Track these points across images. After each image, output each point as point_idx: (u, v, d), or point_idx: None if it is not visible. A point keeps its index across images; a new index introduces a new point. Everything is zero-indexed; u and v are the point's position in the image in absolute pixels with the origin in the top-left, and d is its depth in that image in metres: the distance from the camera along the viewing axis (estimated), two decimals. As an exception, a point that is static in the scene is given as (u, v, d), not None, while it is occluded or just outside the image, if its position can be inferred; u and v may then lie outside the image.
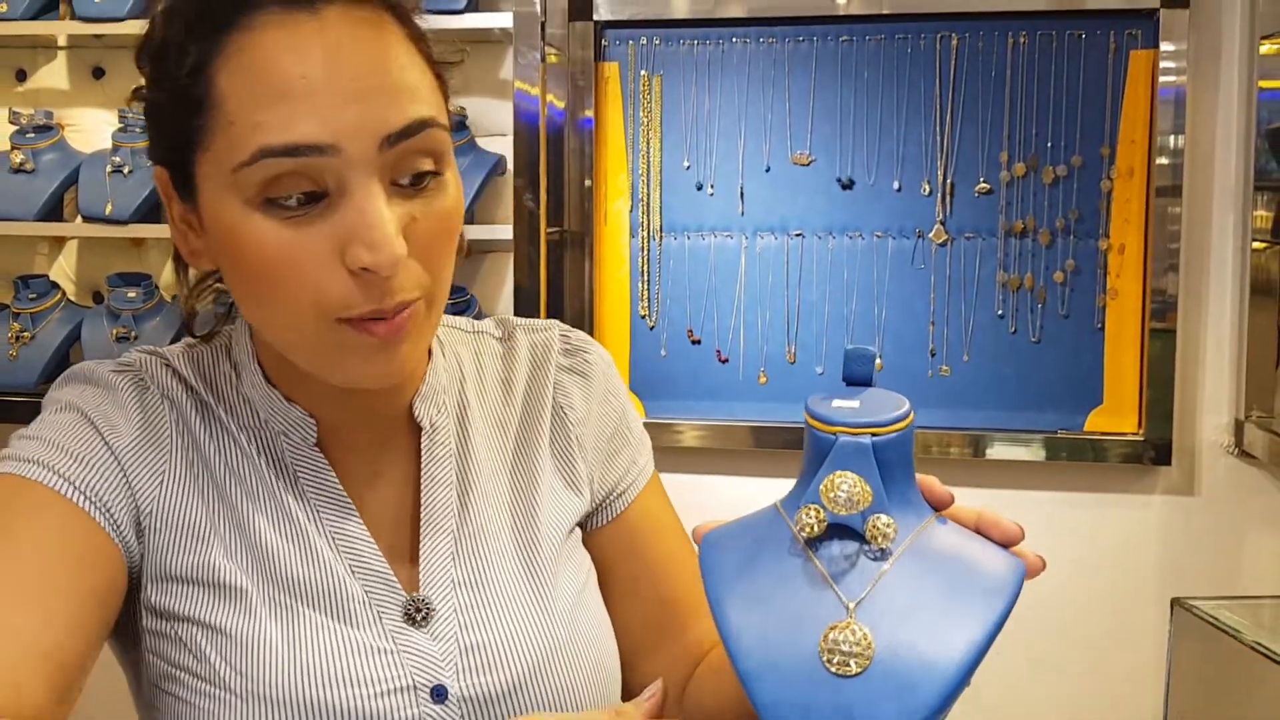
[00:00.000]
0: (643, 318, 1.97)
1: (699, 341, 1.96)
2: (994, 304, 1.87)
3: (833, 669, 0.51)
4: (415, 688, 0.72)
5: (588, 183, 1.94)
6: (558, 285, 1.94)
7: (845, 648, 0.52)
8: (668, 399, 1.97)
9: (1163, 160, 1.77)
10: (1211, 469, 1.82)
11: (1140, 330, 1.82)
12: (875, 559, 0.55)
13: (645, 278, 1.97)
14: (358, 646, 0.72)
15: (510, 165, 1.91)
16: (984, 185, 1.86)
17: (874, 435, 0.56)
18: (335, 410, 0.76)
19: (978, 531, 0.59)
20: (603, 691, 0.79)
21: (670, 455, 1.95)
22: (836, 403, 0.58)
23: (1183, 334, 1.80)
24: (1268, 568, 1.79)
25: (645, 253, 1.96)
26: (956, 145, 1.86)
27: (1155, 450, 1.80)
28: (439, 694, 0.73)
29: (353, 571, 0.74)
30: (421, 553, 0.77)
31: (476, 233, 1.91)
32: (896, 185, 1.88)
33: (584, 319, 1.95)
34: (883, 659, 0.51)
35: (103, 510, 0.70)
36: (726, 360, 1.95)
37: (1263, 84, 1.74)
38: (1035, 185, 1.85)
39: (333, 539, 0.75)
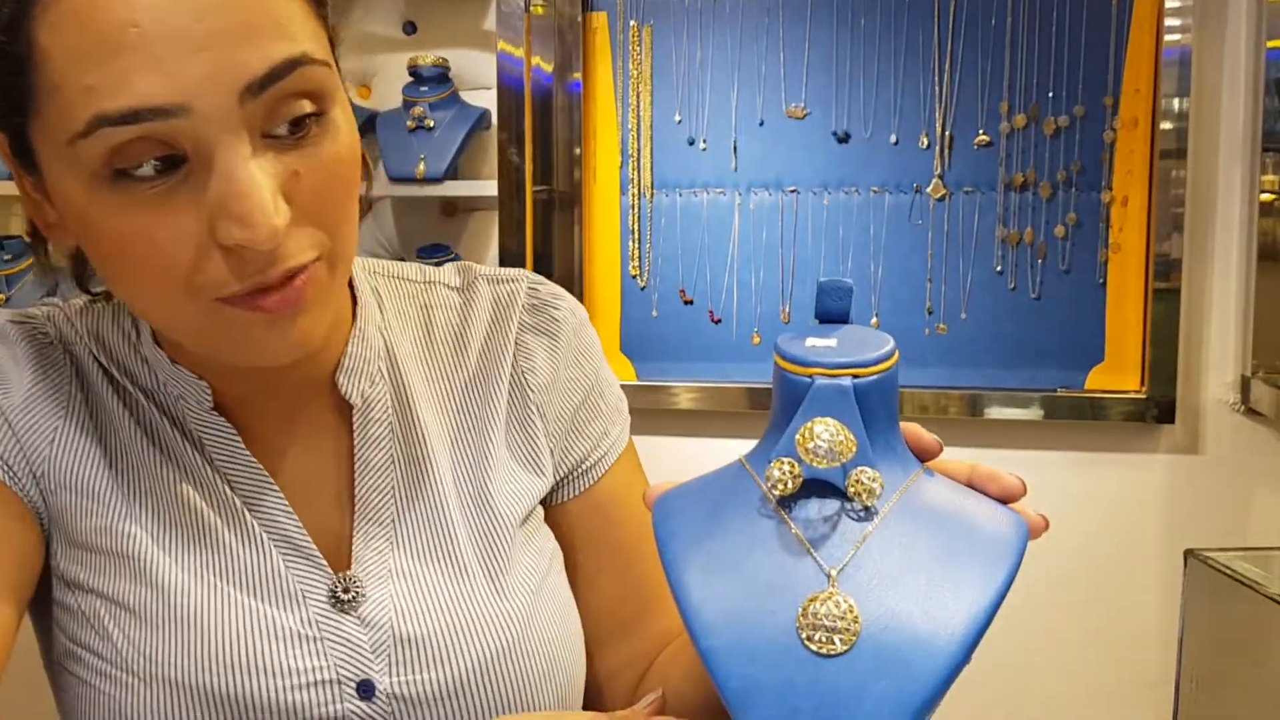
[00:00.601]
0: (634, 278, 1.92)
1: (691, 301, 1.90)
2: (993, 260, 1.81)
3: (813, 647, 0.46)
4: (339, 681, 0.65)
5: (577, 150, 1.88)
6: (545, 245, 1.89)
7: (827, 622, 0.46)
8: (660, 360, 1.92)
9: (1167, 116, 1.71)
10: (1217, 427, 1.78)
11: (1144, 285, 1.77)
12: (859, 519, 0.49)
13: (636, 236, 1.91)
14: (275, 629, 0.65)
15: (495, 120, 1.85)
16: (983, 137, 1.80)
17: (855, 376, 0.50)
18: (231, 380, 0.68)
19: (971, 487, 0.54)
20: (561, 694, 0.71)
21: (662, 418, 1.90)
22: (811, 341, 0.52)
23: (1188, 289, 1.75)
24: (1274, 526, 1.74)
25: (636, 210, 1.91)
26: (955, 96, 1.80)
27: (1158, 408, 1.76)
28: (365, 690, 0.65)
29: (274, 544, 0.67)
30: (355, 537, 0.68)
31: (460, 189, 1.86)
32: (894, 138, 1.82)
33: (573, 279, 1.90)
34: (871, 634, 0.45)
35: (5, 468, 0.65)
36: (720, 321, 1.90)
37: (1271, 44, 1.68)
38: (1036, 137, 1.79)
39: (249, 508, 0.67)
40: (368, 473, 0.70)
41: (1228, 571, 0.65)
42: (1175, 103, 1.70)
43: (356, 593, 0.67)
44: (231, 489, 0.68)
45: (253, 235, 0.55)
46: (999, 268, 1.81)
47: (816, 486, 0.50)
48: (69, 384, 0.68)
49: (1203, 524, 1.76)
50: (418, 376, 0.74)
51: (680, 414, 1.90)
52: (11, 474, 0.65)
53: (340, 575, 0.67)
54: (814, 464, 0.48)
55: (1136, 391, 1.78)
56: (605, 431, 0.78)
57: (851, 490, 0.50)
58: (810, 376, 0.50)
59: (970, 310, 1.83)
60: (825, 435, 0.48)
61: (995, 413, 1.81)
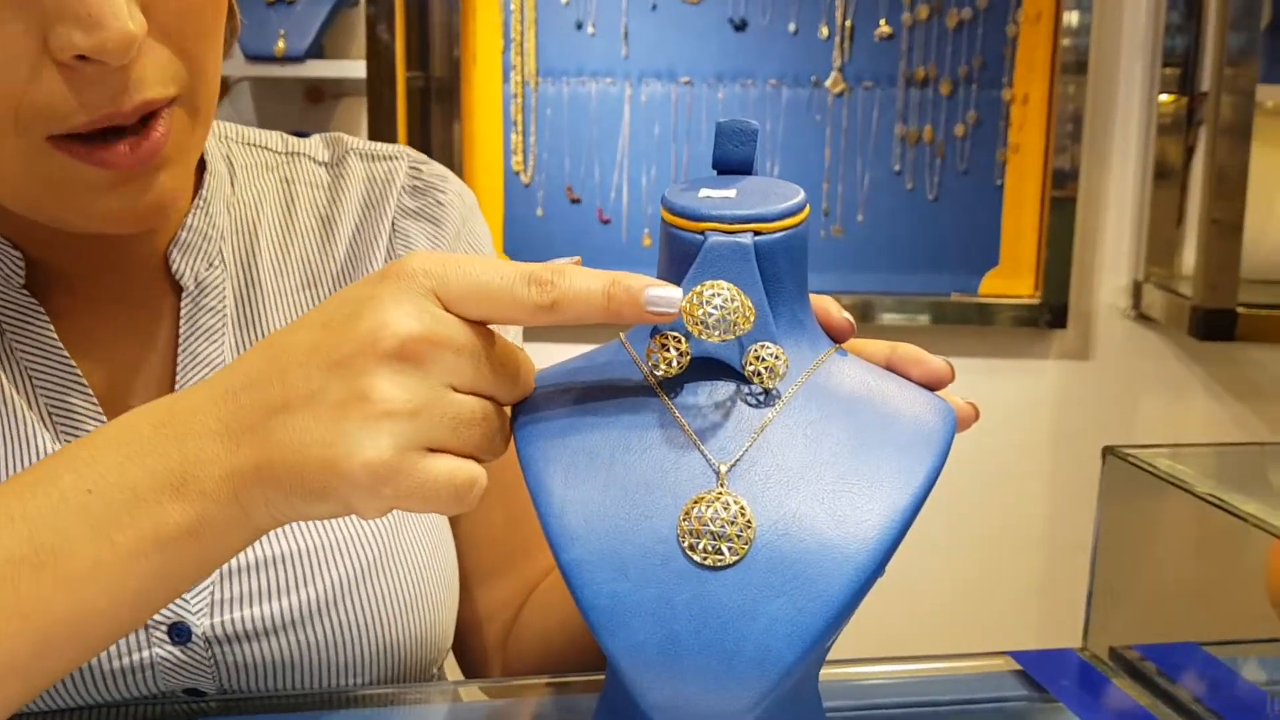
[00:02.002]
0: (516, 173, 1.80)
1: (579, 200, 1.80)
2: (891, 159, 1.75)
3: (696, 557, 0.37)
4: (146, 625, 0.55)
5: (457, 43, 1.73)
6: (421, 136, 1.75)
7: (713, 527, 0.37)
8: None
9: (1070, 7, 1.65)
10: (1108, 332, 1.77)
11: (1040, 189, 1.73)
12: (757, 405, 0.41)
13: (519, 129, 1.79)
14: None
15: (363, -6, 1.69)
16: (885, 28, 1.72)
17: (756, 234, 0.41)
18: (50, 249, 0.56)
19: (891, 371, 0.46)
20: (424, 631, 0.62)
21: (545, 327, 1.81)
22: (705, 192, 0.42)
23: (1084, 192, 1.72)
24: (1160, 431, 1.75)
25: (519, 100, 1.78)
26: (857, -16, 1.71)
27: (1051, 313, 1.73)
28: (179, 633, 0.56)
29: None
30: None
31: (325, 69, 1.70)
32: (792, 27, 1.73)
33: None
34: (767, 541, 0.37)
35: None
36: (609, 221, 1.80)
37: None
38: (939, 29, 1.71)
39: (49, 415, 0.56)
40: (195, 365, 0.59)
41: (1151, 469, 0.59)
42: (1079, -3, 1.65)
43: None
44: (32, 388, 0.55)
45: (100, 41, 0.44)
46: (897, 167, 1.75)
47: (707, 367, 0.41)
48: None
49: (1093, 429, 1.76)
50: (271, 262, 0.63)
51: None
52: None
53: None
54: (704, 337, 0.39)
55: (1030, 296, 1.75)
56: None
57: (749, 370, 0.41)
58: (702, 233, 0.41)
59: (867, 212, 1.77)
60: (718, 302, 0.39)
61: (887, 319, 1.76)
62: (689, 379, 0.41)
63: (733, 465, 0.39)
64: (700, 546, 0.38)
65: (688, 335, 0.41)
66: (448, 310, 0.40)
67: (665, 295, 0.40)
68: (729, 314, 0.39)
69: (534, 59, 1.77)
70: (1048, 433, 1.79)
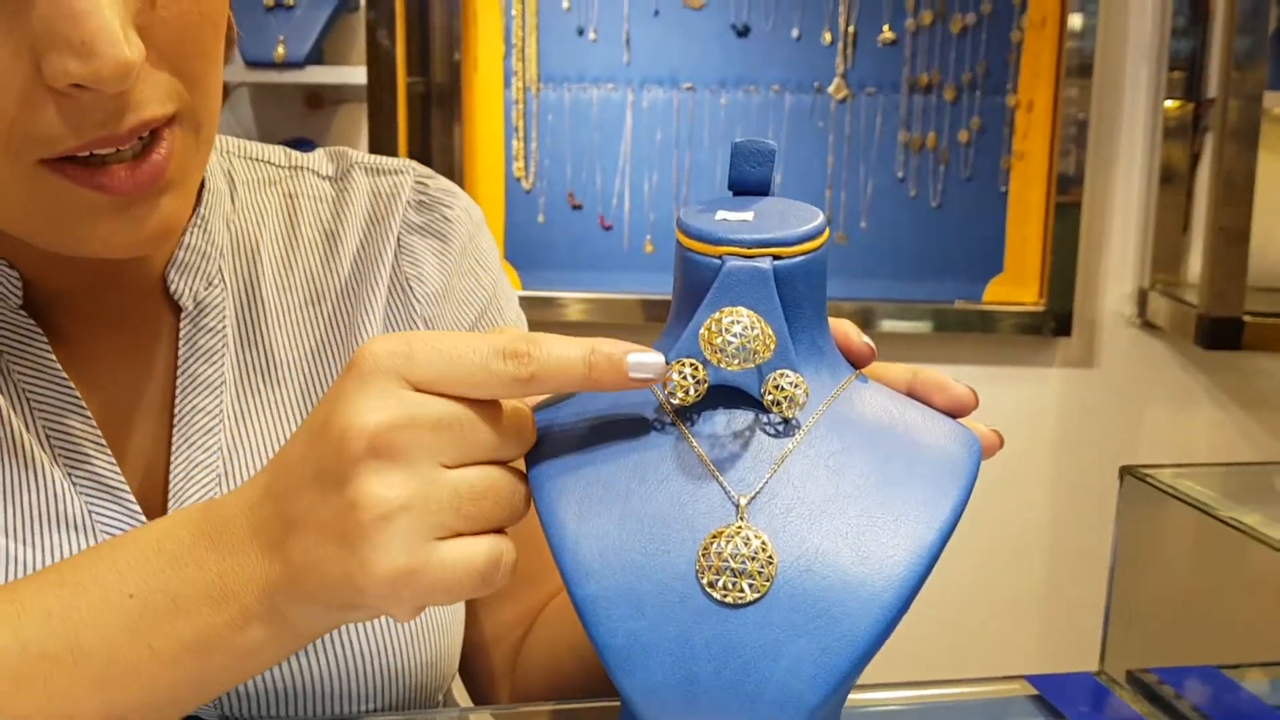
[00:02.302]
0: (518, 180, 1.79)
1: (580, 206, 1.78)
2: (894, 166, 1.74)
3: (715, 595, 0.36)
4: None
5: (457, 48, 1.72)
6: (421, 142, 1.74)
7: (734, 564, 0.36)
8: (546, 270, 1.80)
9: (1075, 13, 1.64)
10: (1113, 340, 1.75)
11: (1045, 196, 1.72)
12: (776, 435, 0.40)
13: (520, 135, 1.77)
14: None
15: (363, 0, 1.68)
16: (888, 34, 1.71)
17: (775, 258, 0.40)
18: (46, 271, 0.54)
19: (913, 398, 0.44)
20: (434, 656, 0.61)
21: (549, 331, 1.79)
22: (722, 214, 0.41)
23: (1089, 198, 1.71)
24: (1166, 440, 1.74)
25: (521, 106, 1.77)
26: (860, -11, 1.70)
27: (1056, 321, 1.72)
28: None
29: (72, 480, 0.54)
30: (172, 472, 0.56)
31: (325, 75, 1.69)
32: (795, 33, 1.72)
33: (452, 180, 1.76)
34: (789, 578, 0.36)
35: None
36: (610, 227, 1.78)
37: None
38: (942, 35, 1.70)
39: (46, 437, 0.54)
40: (195, 389, 0.57)
41: (1171, 491, 0.58)
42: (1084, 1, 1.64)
43: None
44: (29, 409, 0.54)
45: (96, 70, 0.42)
46: (900, 174, 1.74)
47: (725, 395, 0.40)
48: None
49: (1097, 438, 1.75)
50: (274, 279, 0.61)
51: (569, 326, 1.79)
52: None
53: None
54: (723, 365, 0.38)
55: (1034, 304, 1.74)
56: None
57: (768, 399, 0.40)
58: (720, 257, 0.40)
59: (870, 218, 1.76)
60: (737, 329, 0.38)
61: (889, 325, 1.75)
62: (706, 407, 0.40)
63: (753, 498, 0.38)
64: (720, 584, 0.36)
65: (705, 362, 0.39)
66: (418, 391, 0.39)
67: (648, 362, 0.39)
68: (748, 342, 0.38)
69: (535, 65, 1.76)
70: (1051, 442, 1.78)
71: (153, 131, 0.47)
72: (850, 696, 0.60)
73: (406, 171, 0.67)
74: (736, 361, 0.38)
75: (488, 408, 0.40)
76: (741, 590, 0.36)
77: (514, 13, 1.74)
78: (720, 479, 0.39)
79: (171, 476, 0.56)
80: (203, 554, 0.41)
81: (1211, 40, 1.65)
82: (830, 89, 1.73)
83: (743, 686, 0.36)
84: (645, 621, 0.36)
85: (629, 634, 0.36)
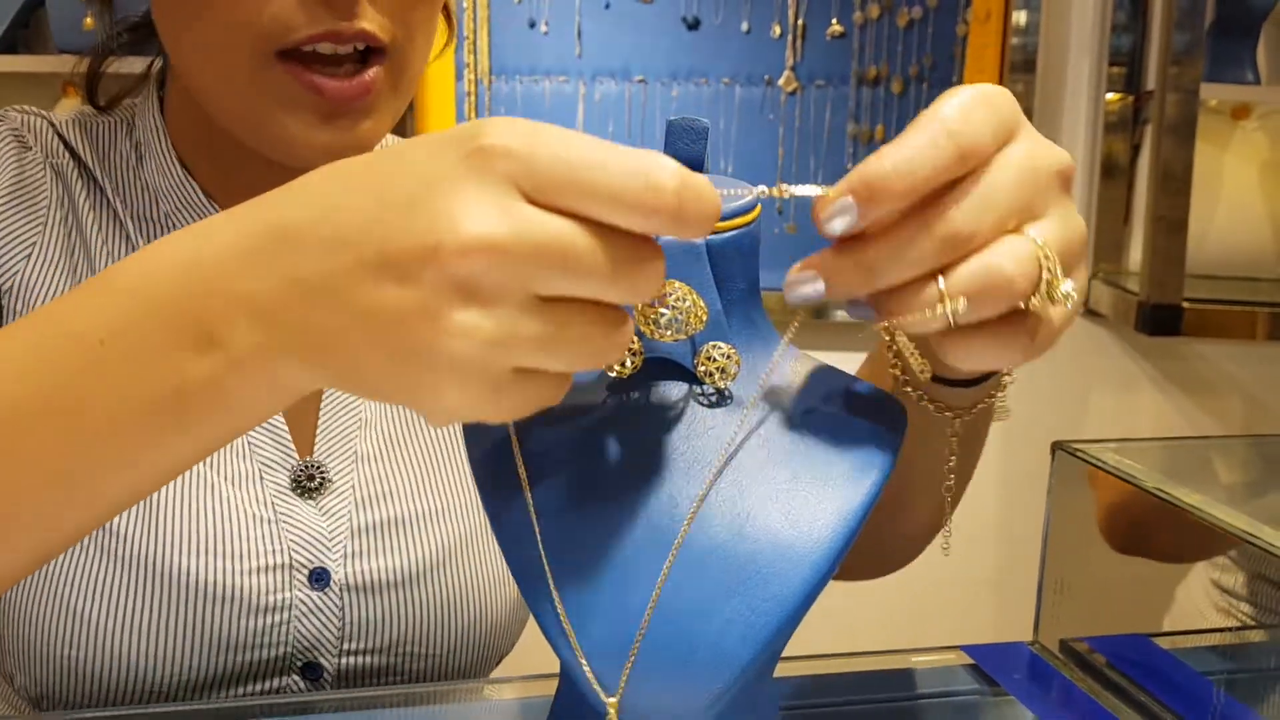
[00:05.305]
0: (470, 171, 1.78)
1: (533, 199, 1.79)
2: (844, 157, 1.76)
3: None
4: (291, 566, 0.61)
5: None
6: (373, 133, 1.73)
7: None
8: (499, 261, 1.80)
9: (1020, 10, 1.67)
10: (1057, 328, 1.79)
11: (992, 186, 1.75)
12: (710, 405, 0.41)
13: (473, 127, 1.77)
14: (231, 507, 0.60)
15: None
16: (837, 27, 1.73)
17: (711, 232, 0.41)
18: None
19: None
20: (506, 609, 0.69)
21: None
22: None
23: (1033, 191, 1.74)
24: (1110, 425, 1.78)
25: (473, 98, 1.76)
26: (809, -17, 1.71)
27: (1003, 310, 1.75)
28: (319, 578, 0.62)
29: None
30: (322, 413, 0.64)
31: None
32: (745, 26, 1.73)
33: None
34: (721, 541, 0.38)
35: None
36: (563, 219, 1.79)
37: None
38: (890, 28, 1.73)
39: None
40: None
41: (1099, 464, 0.60)
42: (1027, -3, 1.67)
43: (322, 479, 0.63)
44: None
45: None
46: (850, 165, 1.76)
47: (660, 367, 0.41)
48: (49, 196, 0.62)
49: (1043, 423, 1.78)
50: None
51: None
52: None
53: (305, 461, 0.63)
54: (656, 337, 0.39)
55: (982, 293, 1.77)
56: None
57: (701, 370, 0.41)
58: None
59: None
60: (671, 302, 0.39)
61: (840, 316, 1.77)
62: (642, 380, 0.41)
63: (683, 462, 0.39)
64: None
65: (640, 336, 0.40)
66: (533, 202, 0.32)
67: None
68: (681, 314, 0.39)
69: (487, 57, 1.76)
70: (998, 427, 1.81)
71: (365, 55, 0.57)
72: (789, 666, 0.62)
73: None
74: (670, 333, 0.39)
75: (610, 240, 0.33)
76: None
77: (465, 5, 1.74)
78: (657, 449, 0.40)
79: (320, 419, 0.64)
80: (186, 300, 0.35)
81: (1150, 35, 1.69)
82: (780, 81, 1.74)
83: (676, 647, 0.37)
84: (584, 586, 0.37)
85: (567, 599, 0.37)
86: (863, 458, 0.40)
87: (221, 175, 0.64)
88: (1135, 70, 1.70)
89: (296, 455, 0.63)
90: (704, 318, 0.40)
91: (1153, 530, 0.62)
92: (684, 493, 0.39)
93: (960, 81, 1.72)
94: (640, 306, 0.39)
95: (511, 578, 0.61)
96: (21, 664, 0.60)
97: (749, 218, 0.43)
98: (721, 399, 0.41)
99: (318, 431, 0.64)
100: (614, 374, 0.41)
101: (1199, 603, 0.66)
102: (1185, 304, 1.56)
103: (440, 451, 0.68)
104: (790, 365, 0.43)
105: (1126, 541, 0.62)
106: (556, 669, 0.42)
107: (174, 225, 0.63)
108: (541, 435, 0.40)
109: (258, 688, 0.61)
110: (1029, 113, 1.69)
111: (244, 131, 0.58)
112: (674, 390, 0.41)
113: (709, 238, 0.41)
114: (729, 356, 0.41)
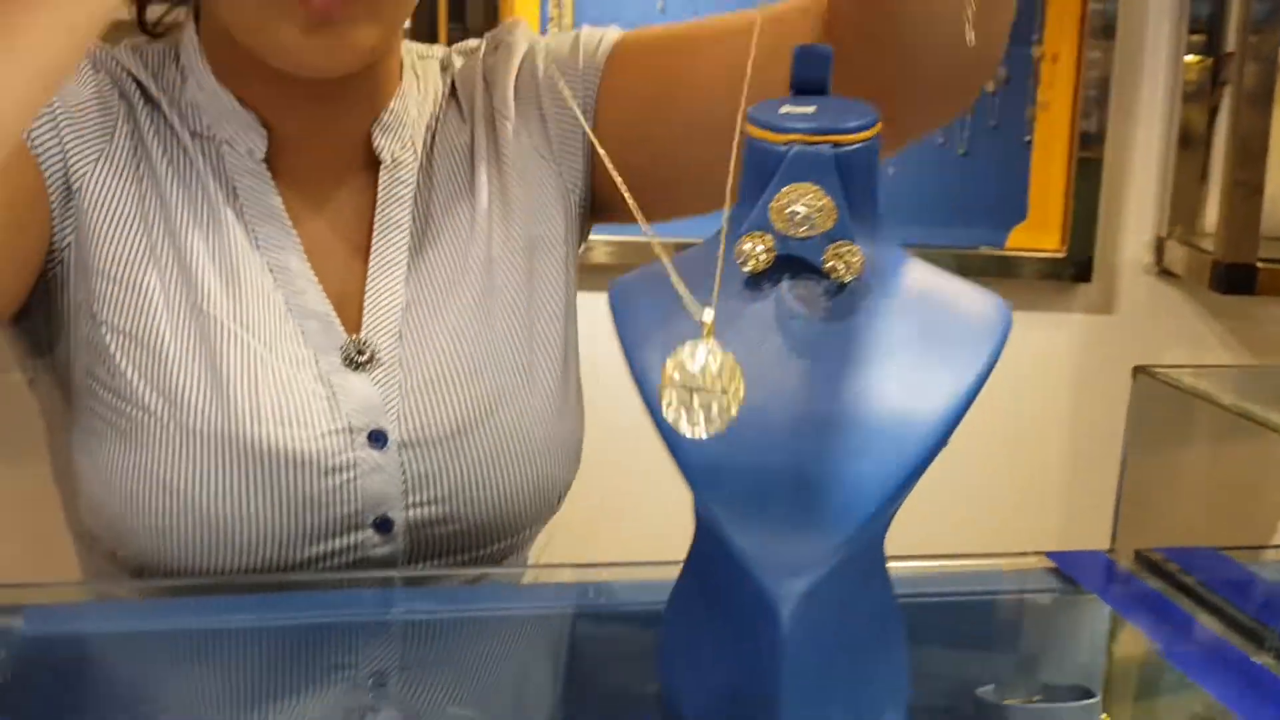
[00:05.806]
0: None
1: (612, 153, 1.83)
2: (922, 115, 1.78)
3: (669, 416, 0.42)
4: (351, 430, 0.69)
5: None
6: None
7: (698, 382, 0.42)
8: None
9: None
10: (1131, 287, 1.81)
11: (1068, 145, 1.76)
12: (834, 296, 0.46)
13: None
14: (288, 383, 0.68)
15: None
16: (918, -14, 1.75)
17: (836, 145, 0.46)
18: (288, 121, 0.72)
19: None
20: (565, 443, 0.76)
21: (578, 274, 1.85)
22: (787, 108, 0.47)
23: (1110, 153, 1.75)
24: (1180, 384, 1.79)
25: None
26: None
27: (1076, 267, 1.77)
28: (377, 438, 0.69)
29: (289, 305, 0.70)
30: (367, 297, 0.72)
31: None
32: (826, -16, 1.76)
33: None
34: (849, 408, 0.43)
35: (34, 145, 0.65)
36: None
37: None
38: (971, -12, 1.74)
39: (270, 268, 0.71)
40: (388, 229, 0.74)
41: (1178, 385, 0.64)
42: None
43: (371, 355, 0.71)
44: (257, 245, 0.71)
45: None
46: (927, 122, 1.78)
47: (791, 264, 0.46)
48: (118, 111, 0.71)
49: (1115, 381, 1.80)
50: (441, 148, 0.79)
51: (596, 269, 1.85)
52: (41, 160, 0.66)
53: (353, 338, 0.71)
54: (790, 233, 0.44)
55: (1056, 250, 1.79)
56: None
57: (828, 265, 0.46)
58: (786, 144, 0.46)
59: (898, 165, 1.80)
60: (805, 200, 0.44)
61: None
62: (773, 273, 0.46)
63: (813, 344, 0.44)
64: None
65: (775, 232, 0.46)
66: None
67: None
68: (813, 213, 0.44)
69: (571, 11, 1.80)
70: (1071, 383, 1.84)
71: None
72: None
73: (485, 40, 0.83)
74: (803, 229, 0.44)
75: None
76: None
77: (552, -39, 1.78)
78: (789, 334, 0.45)
79: (366, 302, 0.72)
80: None
81: (1230, 3, 1.69)
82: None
83: (808, 501, 0.42)
84: (723, 442, 0.43)
85: (709, 455, 0.43)
86: (974, 343, 0.45)
87: (247, 88, 0.72)
88: (1215, 38, 1.71)
89: (345, 334, 0.71)
90: (832, 218, 0.45)
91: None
92: (815, 370, 0.44)
93: (1041, 39, 1.74)
94: (776, 205, 0.45)
95: (550, 423, 0.74)
96: (123, 539, 0.68)
97: (872, 132, 0.48)
98: (845, 292, 0.46)
99: (364, 313, 0.72)
100: (749, 268, 0.46)
101: (1271, 519, 0.70)
102: (1259, 264, 1.57)
103: (472, 322, 0.75)
104: (906, 264, 0.49)
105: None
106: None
107: (218, 139, 0.71)
108: (684, 320, 0.46)
109: (337, 543, 0.69)
110: (1107, 79, 1.70)
111: (254, 44, 0.66)
112: (803, 284, 0.46)
113: (837, 150, 0.46)
114: (854, 254, 0.46)
